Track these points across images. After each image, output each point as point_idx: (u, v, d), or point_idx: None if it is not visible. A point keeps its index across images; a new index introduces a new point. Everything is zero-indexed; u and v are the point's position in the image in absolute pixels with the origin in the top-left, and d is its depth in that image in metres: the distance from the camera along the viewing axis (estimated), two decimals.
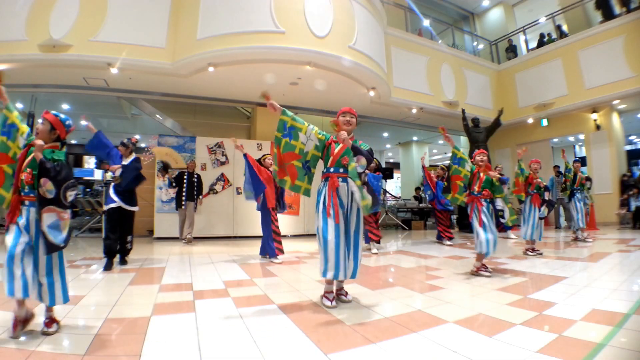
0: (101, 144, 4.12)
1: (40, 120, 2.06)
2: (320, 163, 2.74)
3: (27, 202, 1.92)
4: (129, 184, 4.14)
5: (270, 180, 4.54)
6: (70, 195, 1.94)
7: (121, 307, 2.44)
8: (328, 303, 2.51)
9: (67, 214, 1.94)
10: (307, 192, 2.69)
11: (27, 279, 1.83)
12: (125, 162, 4.21)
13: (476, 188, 3.63)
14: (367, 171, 2.87)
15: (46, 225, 1.85)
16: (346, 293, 2.68)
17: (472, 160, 3.83)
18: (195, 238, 6.94)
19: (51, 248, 1.87)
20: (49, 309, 1.96)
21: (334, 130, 2.72)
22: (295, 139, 2.59)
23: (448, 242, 6.40)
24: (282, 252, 4.60)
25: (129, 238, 4.25)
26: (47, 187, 1.86)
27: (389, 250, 5.71)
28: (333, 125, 2.74)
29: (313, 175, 2.73)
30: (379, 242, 5.56)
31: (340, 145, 2.58)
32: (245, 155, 4.52)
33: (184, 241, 6.74)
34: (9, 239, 1.88)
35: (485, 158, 3.75)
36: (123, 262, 4.22)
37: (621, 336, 1.82)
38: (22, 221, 1.90)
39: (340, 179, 2.57)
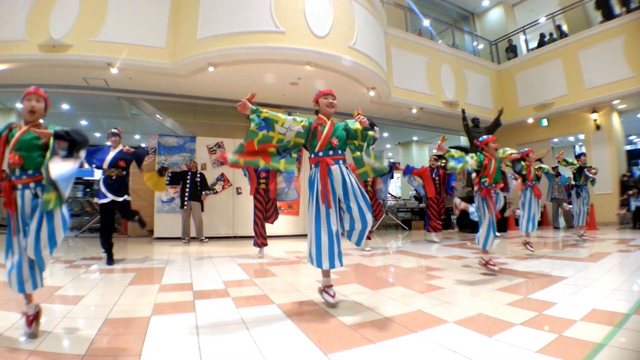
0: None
1: (30, 98, 1.95)
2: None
3: (19, 186, 1.84)
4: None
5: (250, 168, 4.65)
6: (80, 153, 1.94)
7: (121, 307, 2.44)
8: (330, 299, 2.45)
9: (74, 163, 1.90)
10: (288, 171, 2.63)
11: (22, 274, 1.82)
12: (113, 152, 4.29)
13: (487, 180, 3.56)
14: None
15: (55, 173, 1.76)
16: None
17: (484, 146, 3.68)
18: (193, 238, 6.94)
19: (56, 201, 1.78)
20: (29, 298, 1.87)
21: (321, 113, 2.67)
22: (272, 129, 2.45)
23: (434, 237, 6.60)
24: (260, 245, 4.73)
25: (136, 217, 4.46)
26: (61, 146, 1.87)
27: (389, 250, 5.71)
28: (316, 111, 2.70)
29: (294, 158, 2.66)
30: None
31: (328, 126, 2.54)
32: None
33: (185, 241, 6.73)
34: (6, 262, 1.87)
35: (498, 145, 3.66)
36: (142, 224, 4.50)
37: (621, 336, 1.82)
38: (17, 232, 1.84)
39: (332, 161, 2.48)
